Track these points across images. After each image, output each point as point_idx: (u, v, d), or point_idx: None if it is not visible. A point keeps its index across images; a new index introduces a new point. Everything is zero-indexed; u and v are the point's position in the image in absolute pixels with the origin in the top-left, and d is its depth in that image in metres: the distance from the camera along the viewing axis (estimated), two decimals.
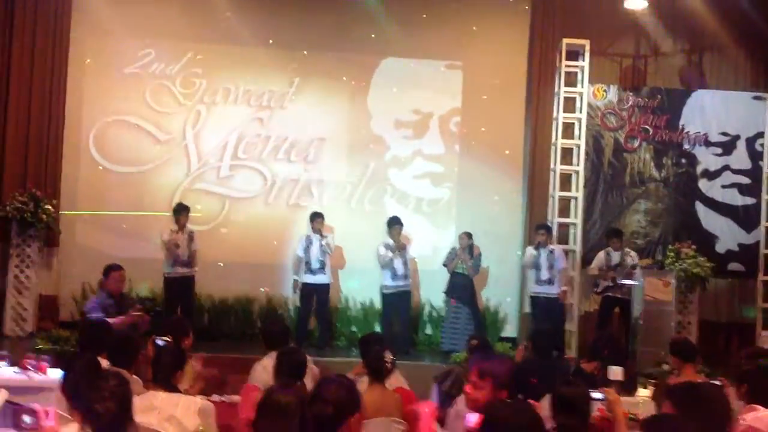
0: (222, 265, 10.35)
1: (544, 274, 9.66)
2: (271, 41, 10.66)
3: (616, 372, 5.48)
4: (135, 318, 6.98)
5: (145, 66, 10.58)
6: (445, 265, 9.97)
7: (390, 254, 9.73)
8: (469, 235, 9.91)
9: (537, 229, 9.97)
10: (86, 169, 10.41)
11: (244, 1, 10.52)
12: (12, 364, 6.22)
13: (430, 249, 10.57)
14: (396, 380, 5.46)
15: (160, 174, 10.57)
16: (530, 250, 9.82)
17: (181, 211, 9.52)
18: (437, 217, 10.81)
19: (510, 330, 10.64)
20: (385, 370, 5.04)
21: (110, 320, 6.95)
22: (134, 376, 4.99)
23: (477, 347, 5.80)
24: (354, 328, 10.39)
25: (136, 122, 10.56)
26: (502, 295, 10.69)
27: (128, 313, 7.07)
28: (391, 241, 9.81)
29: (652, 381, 6.40)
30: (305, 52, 10.76)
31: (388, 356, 5.05)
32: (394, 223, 9.85)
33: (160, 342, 5.18)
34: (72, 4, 10.32)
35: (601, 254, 9.92)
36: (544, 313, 9.62)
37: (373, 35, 10.76)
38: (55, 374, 5.88)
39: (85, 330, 5.97)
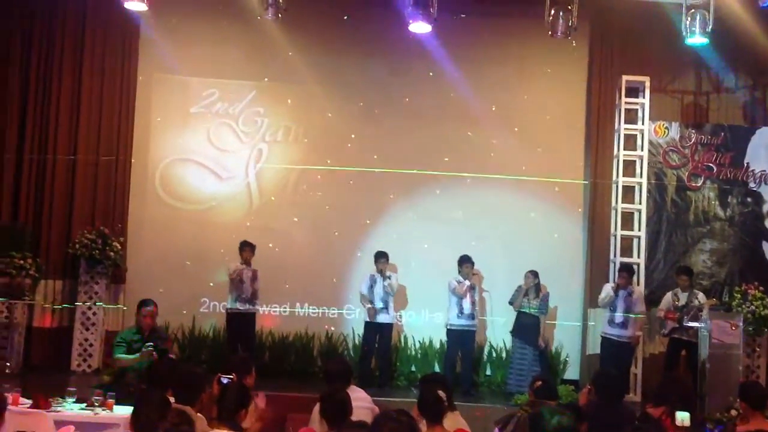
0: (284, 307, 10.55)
1: (619, 317, 9.51)
2: (330, 79, 10.80)
3: (683, 418, 5.35)
4: (144, 355, 6.96)
5: (209, 105, 10.83)
6: (511, 303, 9.91)
7: (467, 283, 9.69)
8: (535, 274, 9.83)
9: (619, 270, 9.86)
10: (152, 207, 10.66)
11: (304, 41, 10.66)
12: (79, 400, 6.33)
13: (490, 287, 10.47)
14: (456, 422, 5.41)
15: (223, 211, 10.76)
16: (608, 290, 9.66)
17: (243, 247, 9.72)
18: (496, 255, 10.73)
19: (572, 372, 10.48)
20: (436, 412, 4.94)
21: (126, 357, 7.04)
22: (199, 414, 5.04)
23: (541, 389, 5.69)
24: (413, 368, 10.36)
25: (199, 161, 10.80)
26: (564, 335, 10.55)
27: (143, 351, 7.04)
28: (461, 278, 9.79)
29: (721, 427, 6.23)
30: (364, 89, 10.87)
31: (441, 394, 4.96)
32: (465, 261, 9.82)
33: (224, 380, 5.23)
34: (139, 45, 10.64)
35: (669, 295, 9.73)
36: (613, 356, 9.46)
37: (431, 74, 10.84)
38: (121, 410, 5.99)
39: (152, 366, 6.06)
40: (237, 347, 9.36)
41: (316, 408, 5.63)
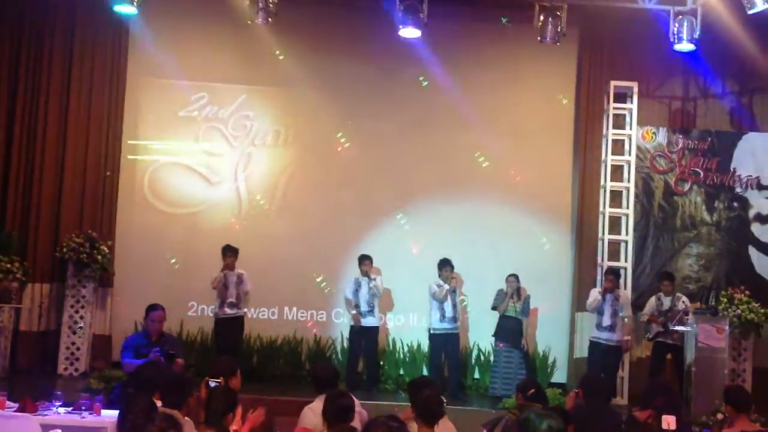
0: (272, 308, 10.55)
1: (606, 320, 9.49)
2: (320, 84, 10.80)
3: (669, 421, 5.37)
4: (153, 360, 6.89)
5: (198, 109, 10.82)
6: (494, 307, 9.93)
7: (446, 287, 9.70)
8: (517, 278, 9.87)
9: (605, 274, 9.88)
10: (140, 211, 10.63)
11: (295, 45, 10.69)
12: (66, 404, 6.31)
13: (479, 291, 10.49)
14: (445, 426, 5.41)
15: (212, 215, 10.74)
16: (595, 294, 9.68)
17: (225, 251, 9.68)
18: (485, 259, 10.74)
19: (560, 375, 10.51)
20: (438, 414, 4.96)
21: (133, 362, 7.01)
22: (186, 418, 5.04)
23: (533, 396, 5.69)
24: (401, 371, 10.37)
25: (188, 164, 10.78)
26: (552, 339, 10.58)
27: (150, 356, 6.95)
28: (441, 282, 9.80)
29: (707, 431, 6.26)
30: (354, 94, 10.88)
31: (442, 397, 4.99)
32: (445, 265, 9.84)
33: (212, 383, 5.24)
34: (128, 48, 10.62)
35: (653, 300, 9.78)
36: (601, 360, 9.45)
37: (420, 78, 10.87)
38: (109, 415, 5.97)
39: (138, 371, 6.05)
40: (225, 351, 9.32)
41: (307, 409, 5.65)
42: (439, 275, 9.82)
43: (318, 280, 10.67)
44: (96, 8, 10.12)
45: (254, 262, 10.07)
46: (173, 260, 10.49)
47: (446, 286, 9.73)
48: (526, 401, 5.55)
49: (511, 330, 9.77)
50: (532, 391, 5.73)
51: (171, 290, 10.22)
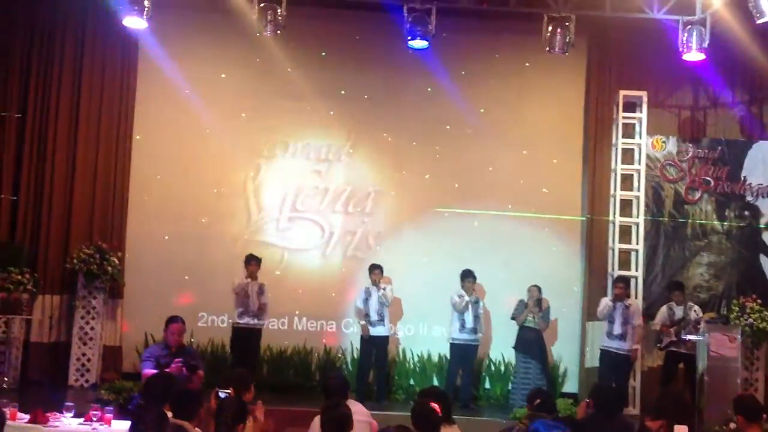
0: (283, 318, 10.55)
1: (617, 329, 9.42)
2: (328, 95, 10.84)
3: (681, 431, 5.34)
4: (174, 371, 6.86)
5: (208, 121, 10.82)
6: (513, 318, 9.91)
7: (466, 298, 9.70)
8: (539, 289, 9.84)
9: (615, 282, 9.83)
10: (150, 222, 10.64)
11: (303, 57, 10.72)
12: (76, 415, 6.31)
13: (488, 301, 10.46)
14: None
15: (222, 226, 10.75)
16: (606, 302, 9.61)
17: (249, 260, 9.70)
18: (494, 269, 10.72)
19: (571, 385, 10.47)
20: (435, 423, 4.91)
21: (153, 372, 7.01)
22: (197, 429, 5.04)
23: (539, 406, 5.68)
24: (412, 381, 10.35)
25: (198, 176, 10.78)
26: (563, 349, 10.54)
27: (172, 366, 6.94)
28: (463, 292, 9.79)
29: None
30: (362, 105, 10.90)
31: (434, 406, 4.93)
32: (467, 276, 9.83)
33: (222, 394, 5.23)
34: (138, 61, 10.67)
35: (664, 309, 9.73)
36: (612, 369, 9.39)
37: (429, 89, 10.88)
38: (119, 426, 5.97)
39: (149, 382, 6.06)
40: (241, 362, 9.25)
41: (315, 421, 5.64)
42: (462, 286, 9.81)
43: (328, 290, 10.66)
44: (106, 22, 10.18)
45: (264, 273, 10.02)
46: (186, 276, 10.48)
47: (467, 297, 9.73)
48: (534, 411, 5.54)
49: (531, 341, 9.76)
50: (538, 401, 5.72)
51: (180, 301, 10.25)
